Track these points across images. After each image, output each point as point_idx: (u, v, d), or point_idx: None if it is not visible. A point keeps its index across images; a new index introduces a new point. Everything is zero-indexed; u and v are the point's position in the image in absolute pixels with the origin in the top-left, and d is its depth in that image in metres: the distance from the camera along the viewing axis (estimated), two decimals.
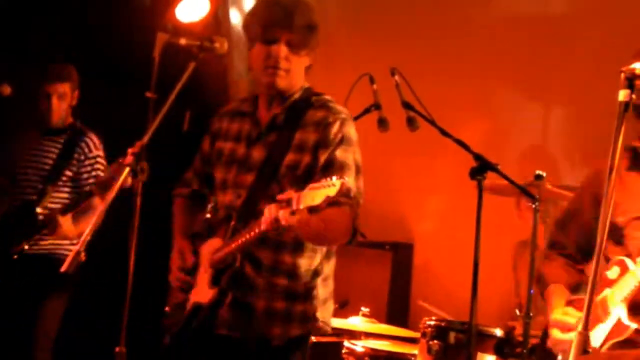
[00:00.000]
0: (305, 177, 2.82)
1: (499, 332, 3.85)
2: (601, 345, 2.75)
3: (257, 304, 2.89)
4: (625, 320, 2.71)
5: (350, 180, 2.81)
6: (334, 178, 2.47)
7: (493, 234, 4.59)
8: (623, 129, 2.32)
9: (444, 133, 3.69)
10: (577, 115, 5.21)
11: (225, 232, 2.90)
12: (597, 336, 2.77)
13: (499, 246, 4.85)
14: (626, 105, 2.33)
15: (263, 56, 2.91)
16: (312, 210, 2.50)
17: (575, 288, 2.98)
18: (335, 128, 2.87)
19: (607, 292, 2.79)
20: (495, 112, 5.53)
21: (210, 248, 2.94)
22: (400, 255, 5.53)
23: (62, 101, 4.54)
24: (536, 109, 5.39)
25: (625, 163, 2.87)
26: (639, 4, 4.95)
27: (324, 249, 2.99)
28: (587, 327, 2.18)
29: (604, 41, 5.05)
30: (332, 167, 2.81)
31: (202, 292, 2.88)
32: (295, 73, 2.94)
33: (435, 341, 3.80)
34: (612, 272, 2.79)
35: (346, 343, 4.17)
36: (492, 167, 3.50)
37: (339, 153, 2.85)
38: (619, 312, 2.72)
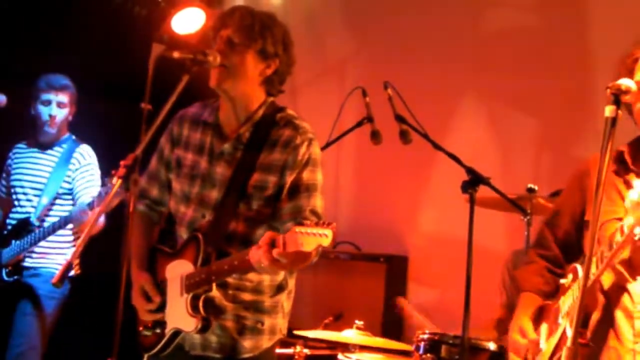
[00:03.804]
0: (273, 197, 2.87)
1: (492, 346, 3.85)
2: (550, 357, 2.74)
3: (227, 324, 2.91)
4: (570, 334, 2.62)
5: (317, 201, 2.86)
6: (325, 227, 2.45)
7: (486, 246, 4.62)
8: (610, 144, 2.35)
9: (437, 146, 3.71)
10: (568, 129, 5.23)
11: (196, 256, 2.87)
12: (549, 347, 2.77)
13: (494, 259, 4.86)
14: (613, 120, 2.36)
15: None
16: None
17: (549, 295, 2.93)
18: (303, 149, 2.88)
19: (560, 301, 2.80)
20: (487, 126, 5.55)
21: (181, 271, 2.90)
22: (395, 268, 5.53)
23: (61, 109, 4.53)
24: (527, 122, 5.41)
25: (612, 166, 2.80)
26: (625, 18, 4.99)
27: None
28: (575, 343, 2.19)
29: (593, 55, 5.08)
30: (299, 189, 2.85)
31: (182, 319, 2.86)
32: (242, 75, 2.89)
33: (428, 355, 3.80)
34: (567, 280, 2.80)
35: (340, 356, 4.17)
36: (484, 181, 3.52)
37: (306, 175, 2.87)
38: (564, 323, 2.71)
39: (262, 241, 2.56)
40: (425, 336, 3.88)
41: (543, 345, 2.85)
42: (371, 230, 5.45)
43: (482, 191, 3.55)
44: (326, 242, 2.44)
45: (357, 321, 4.21)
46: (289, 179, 2.86)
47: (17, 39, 5.41)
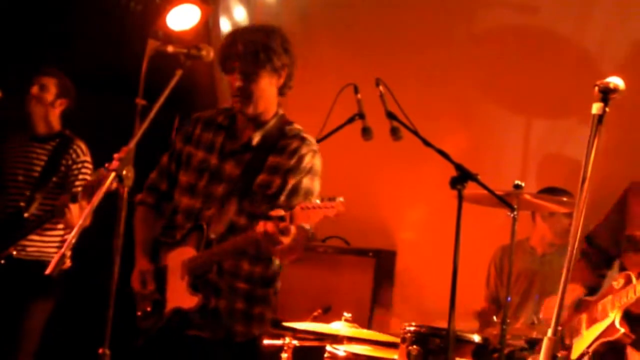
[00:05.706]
0: (274, 197, 3.08)
1: (477, 338, 3.92)
2: (593, 341, 3.38)
3: (220, 305, 3.09)
4: (617, 324, 3.32)
5: None
6: (331, 201, 2.68)
7: (473, 242, 4.68)
8: (596, 141, 2.41)
9: (427, 143, 3.75)
10: (557, 127, 5.29)
11: (199, 242, 3.05)
12: (591, 334, 3.40)
13: (480, 254, 4.92)
14: (599, 117, 2.42)
15: (229, 85, 3.18)
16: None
17: (591, 288, 3.66)
18: (307, 158, 3.14)
19: (609, 297, 3.41)
20: (476, 123, 5.61)
21: (183, 256, 3.08)
22: (383, 262, 5.58)
23: (42, 93, 4.57)
24: (517, 120, 5.46)
25: None
26: (619, 19, 5.04)
27: (277, 261, 3.20)
28: (556, 333, 2.26)
29: (585, 55, 5.14)
30: (298, 192, 3.08)
31: (183, 298, 3.03)
32: (261, 97, 3.13)
33: (415, 346, 3.86)
34: (617, 283, 3.44)
35: (328, 347, 4.23)
36: (472, 177, 3.57)
37: (306, 181, 3.12)
38: (614, 316, 3.31)
39: (272, 214, 2.75)
40: (412, 328, 3.94)
41: (583, 331, 3.43)
42: (360, 225, 5.49)
43: (470, 187, 3.60)
44: (332, 212, 2.68)
45: (345, 313, 4.27)
46: (291, 181, 3.09)
47: (15, 36, 5.43)
